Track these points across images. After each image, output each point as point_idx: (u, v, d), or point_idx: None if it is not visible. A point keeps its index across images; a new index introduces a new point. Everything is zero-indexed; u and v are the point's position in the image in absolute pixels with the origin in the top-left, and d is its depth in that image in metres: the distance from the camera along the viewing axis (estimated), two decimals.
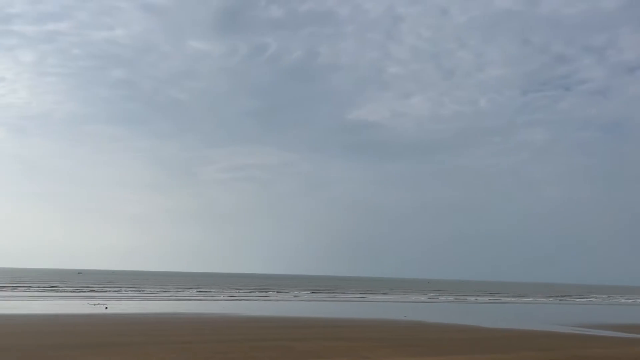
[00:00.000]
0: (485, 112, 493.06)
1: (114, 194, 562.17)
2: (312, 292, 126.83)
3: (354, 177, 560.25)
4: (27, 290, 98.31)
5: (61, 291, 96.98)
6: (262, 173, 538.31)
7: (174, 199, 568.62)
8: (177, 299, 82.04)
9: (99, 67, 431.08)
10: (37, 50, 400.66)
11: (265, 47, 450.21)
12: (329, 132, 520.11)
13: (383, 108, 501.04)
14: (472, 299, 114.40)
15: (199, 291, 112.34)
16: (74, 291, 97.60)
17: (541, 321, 55.73)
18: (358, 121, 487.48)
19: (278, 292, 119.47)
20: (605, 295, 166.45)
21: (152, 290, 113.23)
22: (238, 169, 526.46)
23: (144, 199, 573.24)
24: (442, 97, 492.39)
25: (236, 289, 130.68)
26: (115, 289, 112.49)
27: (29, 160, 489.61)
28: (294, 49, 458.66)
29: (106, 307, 58.58)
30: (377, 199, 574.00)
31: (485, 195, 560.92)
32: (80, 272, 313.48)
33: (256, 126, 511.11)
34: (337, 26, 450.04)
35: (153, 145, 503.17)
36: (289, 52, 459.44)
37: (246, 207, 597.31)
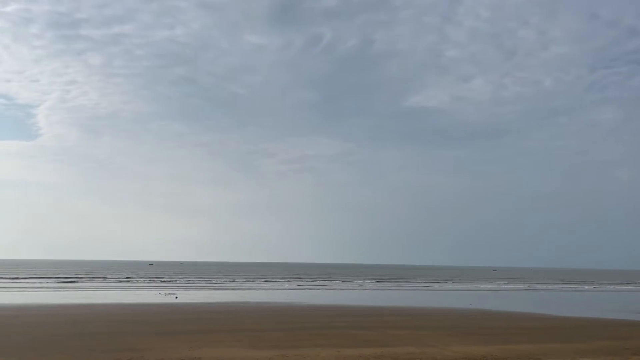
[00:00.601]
0: (551, 92, 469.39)
1: (179, 188, 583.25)
2: (377, 281, 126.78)
3: (413, 165, 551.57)
4: (103, 281, 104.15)
5: (135, 282, 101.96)
6: (321, 164, 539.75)
7: (237, 191, 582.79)
8: (243, 289, 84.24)
9: (161, 66, 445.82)
10: (105, 52, 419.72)
11: (320, 37, 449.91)
12: (386, 120, 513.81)
13: (442, 93, 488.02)
14: (543, 286, 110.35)
15: (265, 281, 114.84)
16: (146, 282, 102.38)
17: (619, 309, 52.94)
18: (416, 108, 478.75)
19: (343, 280, 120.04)
20: None
21: (219, 280, 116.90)
22: (297, 160, 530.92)
23: (208, 193, 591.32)
24: (504, 78, 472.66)
25: (300, 278, 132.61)
26: (184, 279, 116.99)
27: (100, 159, 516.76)
28: (349, 38, 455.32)
29: (176, 297, 61.06)
30: (437, 186, 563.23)
31: (551, 179, 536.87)
32: (151, 264, 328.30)
33: (313, 117, 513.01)
34: (392, 12, 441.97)
35: (215, 139, 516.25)
36: (344, 41, 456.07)
37: (306, 198, 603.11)
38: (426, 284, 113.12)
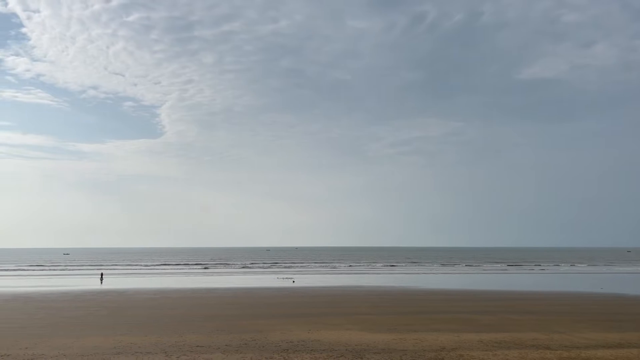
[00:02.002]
0: None
1: (291, 176, 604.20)
2: (497, 263, 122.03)
3: (527, 141, 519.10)
4: (226, 267, 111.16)
5: (254, 267, 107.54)
6: (428, 145, 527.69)
7: (346, 177, 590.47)
8: (357, 273, 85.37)
9: (269, 59, 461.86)
10: (216, 51, 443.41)
11: (423, 15, 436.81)
12: (497, 95, 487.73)
13: (560, 62, 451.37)
14: None
15: (382, 265, 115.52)
16: (264, 267, 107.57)
17: None
18: (530, 80, 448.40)
19: (466, 265, 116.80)
20: None
21: (333, 264, 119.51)
22: (404, 143, 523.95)
23: (319, 180, 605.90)
24: (632, 41, 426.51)
25: (415, 262, 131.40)
26: (300, 264, 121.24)
27: (217, 152, 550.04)
28: (455, 13, 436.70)
29: (293, 281, 63.49)
30: (556, 162, 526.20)
31: None
32: (268, 250, 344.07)
33: (420, 98, 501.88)
34: None
35: (322, 127, 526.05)
36: (449, 16, 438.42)
37: (414, 181, 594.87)
38: (548, 267, 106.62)
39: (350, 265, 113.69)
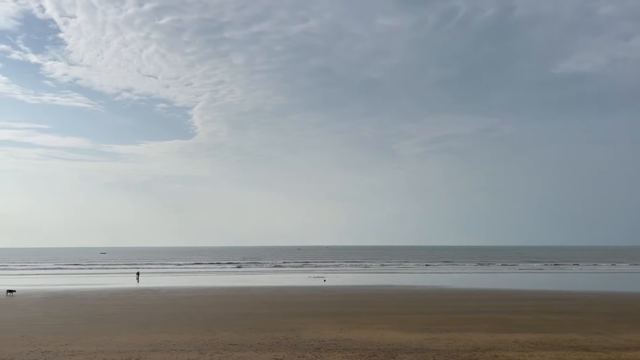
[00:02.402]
0: None
1: (321, 175, 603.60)
2: (533, 262, 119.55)
3: (563, 137, 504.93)
4: (257, 266, 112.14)
5: (285, 266, 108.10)
6: (459, 143, 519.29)
7: (376, 176, 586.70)
8: (387, 272, 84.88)
9: (298, 59, 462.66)
10: (246, 51, 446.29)
11: (454, 11, 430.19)
12: (532, 91, 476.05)
13: (596, 55, 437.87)
14: None
15: (405, 263, 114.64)
16: (296, 266, 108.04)
17: None
18: (566, 74, 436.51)
19: (502, 264, 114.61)
20: None
21: (363, 263, 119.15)
22: (435, 141, 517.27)
23: (348, 178, 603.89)
24: None
25: (448, 262, 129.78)
26: (330, 263, 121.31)
27: (248, 152, 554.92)
28: (486, 7, 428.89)
29: (324, 280, 63.57)
30: (594, 157, 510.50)
31: None
32: (299, 249, 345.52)
33: (451, 94, 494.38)
34: None
35: (352, 126, 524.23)
36: (481, 11, 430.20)
37: (445, 179, 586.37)
38: (586, 266, 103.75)
39: (382, 265, 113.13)
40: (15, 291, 45.21)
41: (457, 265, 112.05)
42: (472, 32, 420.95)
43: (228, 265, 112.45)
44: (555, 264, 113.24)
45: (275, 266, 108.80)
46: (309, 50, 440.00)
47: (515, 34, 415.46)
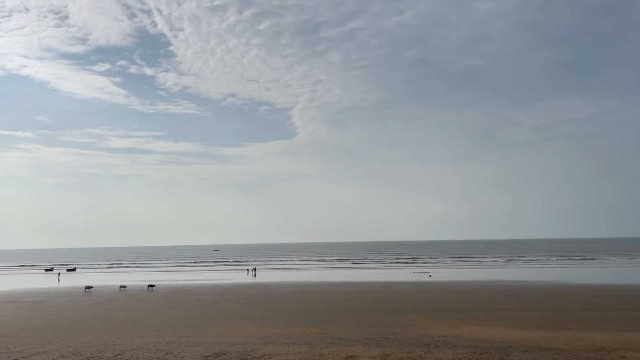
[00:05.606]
0: None
1: (424, 168, 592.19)
2: None
3: None
4: (363, 261, 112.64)
5: (389, 262, 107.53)
6: (573, 128, 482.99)
7: (482, 166, 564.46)
8: (495, 267, 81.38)
9: (394, 52, 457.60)
10: (342, 49, 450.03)
11: None
12: None
13: None
14: None
15: (521, 257, 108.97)
16: (399, 261, 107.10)
17: None
18: None
19: (631, 257, 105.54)
20: None
21: (470, 257, 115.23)
22: (545, 127, 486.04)
23: (451, 170, 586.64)
24: None
25: (564, 255, 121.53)
26: (434, 257, 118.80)
27: (347, 148, 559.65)
28: None
29: (430, 275, 62.38)
30: None
31: None
32: (402, 243, 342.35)
33: (561, 77, 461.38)
34: None
35: (453, 116, 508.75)
36: None
37: (558, 168, 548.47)
38: None
39: (494, 259, 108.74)
40: (155, 286, 51.25)
41: (572, 257, 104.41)
42: (583, 10, 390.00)
43: (333, 262, 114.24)
44: None
45: (382, 262, 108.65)
46: (405, 43, 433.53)
47: (634, 7, 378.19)
